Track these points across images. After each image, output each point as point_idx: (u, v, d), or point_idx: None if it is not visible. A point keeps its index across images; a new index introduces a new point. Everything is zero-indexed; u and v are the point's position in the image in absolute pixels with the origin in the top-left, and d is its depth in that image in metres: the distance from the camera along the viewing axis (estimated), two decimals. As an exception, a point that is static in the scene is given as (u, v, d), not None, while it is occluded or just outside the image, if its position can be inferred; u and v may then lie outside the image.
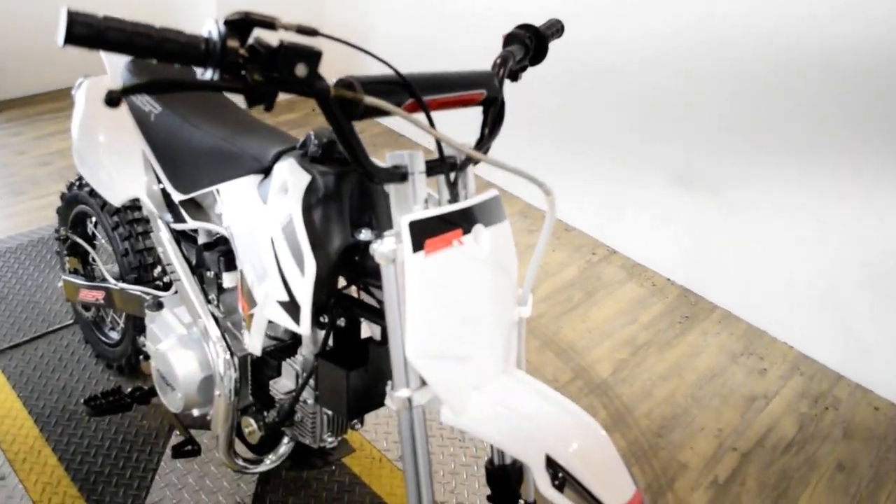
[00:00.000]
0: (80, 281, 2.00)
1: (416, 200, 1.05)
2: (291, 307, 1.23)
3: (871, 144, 2.43)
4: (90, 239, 2.15)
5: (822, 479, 2.29)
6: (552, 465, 1.00)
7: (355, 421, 1.46)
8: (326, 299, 1.26)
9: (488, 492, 1.33)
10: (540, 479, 1.00)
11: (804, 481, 2.27)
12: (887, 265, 2.50)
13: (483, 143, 1.15)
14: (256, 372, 1.48)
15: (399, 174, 1.04)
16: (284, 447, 1.53)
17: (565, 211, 3.39)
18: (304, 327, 1.18)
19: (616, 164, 3.14)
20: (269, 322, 1.36)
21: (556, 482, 0.99)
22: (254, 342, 1.33)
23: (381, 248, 1.03)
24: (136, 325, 1.87)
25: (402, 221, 0.99)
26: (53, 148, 3.75)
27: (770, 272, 2.80)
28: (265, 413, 1.49)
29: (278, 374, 1.46)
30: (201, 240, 1.53)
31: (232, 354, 1.44)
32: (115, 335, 2.20)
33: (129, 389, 1.68)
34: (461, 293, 1.06)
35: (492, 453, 1.31)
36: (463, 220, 1.06)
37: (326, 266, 1.20)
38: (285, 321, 1.22)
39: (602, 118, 3.14)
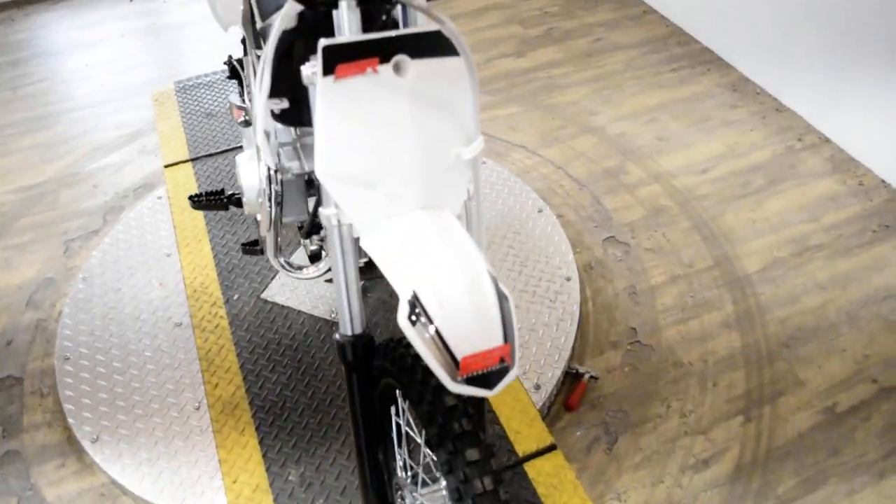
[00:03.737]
0: (238, 102, 2.27)
1: (341, 30, 1.10)
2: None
3: None
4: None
5: None
6: (416, 300, 1.01)
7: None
8: None
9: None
10: (401, 309, 1.02)
11: (957, 435, 1.91)
12: None
13: None
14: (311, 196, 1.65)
15: (331, 1, 1.07)
16: (324, 262, 1.69)
17: (778, 87, 2.95)
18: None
19: (838, 35, 2.63)
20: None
21: (412, 317, 1.01)
22: (266, 157, 1.47)
23: (305, 71, 1.08)
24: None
25: (318, 45, 1.02)
26: None
27: None
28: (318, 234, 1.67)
29: None
30: None
31: (276, 171, 1.59)
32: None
33: (229, 193, 1.94)
34: (373, 121, 1.08)
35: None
36: (381, 49, 1.05)
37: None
38: None
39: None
